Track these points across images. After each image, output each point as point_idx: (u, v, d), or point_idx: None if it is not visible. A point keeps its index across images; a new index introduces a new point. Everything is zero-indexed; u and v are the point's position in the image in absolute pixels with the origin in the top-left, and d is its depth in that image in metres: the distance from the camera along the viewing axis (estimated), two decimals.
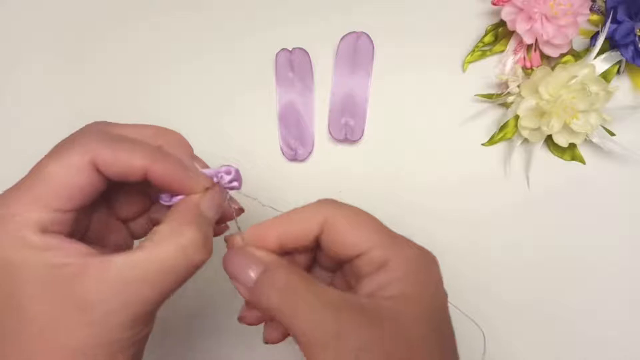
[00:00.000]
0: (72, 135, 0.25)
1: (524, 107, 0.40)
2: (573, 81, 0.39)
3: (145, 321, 0.23)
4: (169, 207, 0.26)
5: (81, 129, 0.26)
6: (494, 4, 0.41)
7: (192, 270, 0.23)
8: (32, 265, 0.22)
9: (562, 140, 0.40)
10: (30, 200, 0.22)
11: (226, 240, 0.27)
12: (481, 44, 0.42)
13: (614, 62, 0.41)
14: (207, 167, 0.27)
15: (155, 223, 0.30)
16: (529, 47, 0.41)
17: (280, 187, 0.42)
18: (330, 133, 0.42)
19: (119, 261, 0.22)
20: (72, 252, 0.22)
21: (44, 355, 0.21)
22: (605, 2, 0.41)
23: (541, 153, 0.42)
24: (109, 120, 0.27)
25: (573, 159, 0.41)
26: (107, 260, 0.22)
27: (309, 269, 0.29)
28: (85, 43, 0.45)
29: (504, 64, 0.42)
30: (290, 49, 0.43)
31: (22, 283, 0.22)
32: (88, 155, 0.23)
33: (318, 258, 0.29)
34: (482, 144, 0.42)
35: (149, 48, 0.44)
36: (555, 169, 0.42)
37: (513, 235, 0.41)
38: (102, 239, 0.27)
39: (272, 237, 0.26)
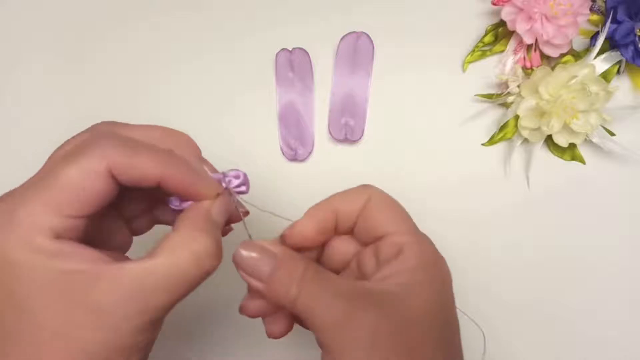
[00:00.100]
0: (83, 136, 0.25)
1: (524, 107, 0.40)
2: (573, 81, 0.39)
3: (155, 326, 0.23)
4: (179, 210, 0.26)
5: (91, 130, 0.26)
6: (494, 4, 0.41)
7: (205, 276, 0.24)
8: (44, 270, 0.22)
9: (562, 140, 0.40)
10: (44, 204, 0.22)
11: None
12: (481, 44, 0.42)
13: (614, 62, 0.41)
14: (215, 170, 0.28)
15: (157, 221, 0.30)
16: (529, 47, 0.41)
17: (280, 187, 0.42)
18: (330, 133, 0.42)
19: (134, 268, 0.22)
20: (86, 258, 0.22)
21: None
22: (605, 2, 0.41)
23: (541, 153, 0.42)
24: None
25: (573, 159, 0.41)
26: (122, 267, 0.22)
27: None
28: (85, 43, 0.45)
29: (504, 64, 0.42)
30: (290, 49, 0.43)
31: (33, 289, 0.22)
32: (105, 162, 0.23)
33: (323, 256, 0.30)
34: (482, 144, 0.42)
35: (149, 48, 0.44)
36: (555, 169, 0.42)
37: (513, 235, 0.41)
38: (107, 240, 0.28)
39: (329, 214, 0.28)
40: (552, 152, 0.42)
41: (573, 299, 0.40)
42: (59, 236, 0.22)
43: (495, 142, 0.42)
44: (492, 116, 0.42)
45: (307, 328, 0.28)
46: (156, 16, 0.45)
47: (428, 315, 0.25)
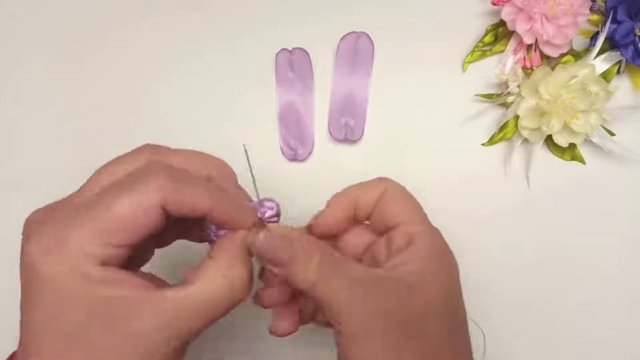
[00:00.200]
0: (134, 161, 0.25)
1: (524, 107, 0.40)
2: (573, 81, 0.39)
3: (185, 349, 0.25)
4: (214, 237, 0.27)
5: (138, 154, 0.26)
6: (494, 4, 0.41)
7: (237, 304, 0.25)
8: (89, 296, 0.22)
9: (562, 140, 0.40)
10: (94, 233, 0.23)
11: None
12: (481, 44, 0.42)
13: (614, 62, 0.41)
14: (250, 198, 0.29)
15: (180, 237, 0.31)
16: (529, 47, 0.41)
17: (280, 187, 0.42)
18: (330, 133, 0.42)
19: (175, 295, 0.23)
20: (129, 285, 0.23)
21: None
22: (605, 2, 0.41)
23: (541, 153, 0.42)
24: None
25: (573, 159, 0.41)
26: (163, 294, 0.23)
27: None
28: (85, 43, 0.45)
29: (504, 64, 0.42)
30: (290, 49, 0.43)
31: (77, 313, 0.22)
32: (158, 196, 0.23)
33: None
34: (482, 144, 0.42)
35: (149, 48, 0.44)
36: (555, 169, 0.42)
37: (513, 235, 0.41)
38: (139, 257, 0.28)
39: (349, 204, 0.30)
40: (552, 152, 0.42)
41: (573, 299, 0.40)
42: (104, 263, 0.23)
43: (495, 142, 0.42)
44: (492, 116, 0.42)
45: (319, 320, 0.30)
46: (156, 16, 0.45)
47: (438, 302, 0.26)
